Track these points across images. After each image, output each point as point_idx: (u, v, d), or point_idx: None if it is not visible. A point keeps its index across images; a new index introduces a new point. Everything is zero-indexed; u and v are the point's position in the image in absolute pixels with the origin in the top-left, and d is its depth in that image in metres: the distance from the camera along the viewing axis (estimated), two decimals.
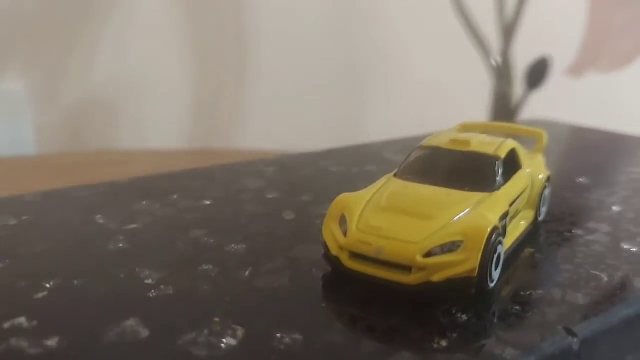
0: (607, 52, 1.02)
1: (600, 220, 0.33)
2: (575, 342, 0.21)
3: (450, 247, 0.23)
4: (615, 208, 0.34)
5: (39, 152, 0.80)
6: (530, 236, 0.29)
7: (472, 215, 0.24)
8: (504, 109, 0.80)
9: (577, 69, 1.01)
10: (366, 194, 0.26)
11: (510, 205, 0.26)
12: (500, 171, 0.27)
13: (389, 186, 0.27)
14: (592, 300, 0.23)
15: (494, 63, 0.78)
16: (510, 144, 0.29)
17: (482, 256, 0.22)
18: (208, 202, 0.34)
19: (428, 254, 0.22)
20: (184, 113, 0.88)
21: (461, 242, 0.23)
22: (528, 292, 0.24)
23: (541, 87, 0.83)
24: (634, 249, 0.28)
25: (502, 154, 0.28)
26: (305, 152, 0.45)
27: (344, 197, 0.26)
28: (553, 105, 0.82)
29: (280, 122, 0.88)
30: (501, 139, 0.29)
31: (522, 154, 0.30)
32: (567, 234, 0.30)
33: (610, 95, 0.95)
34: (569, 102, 0.88)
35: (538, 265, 0.27)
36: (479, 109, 0.80)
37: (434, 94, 0.89)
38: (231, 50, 0.87)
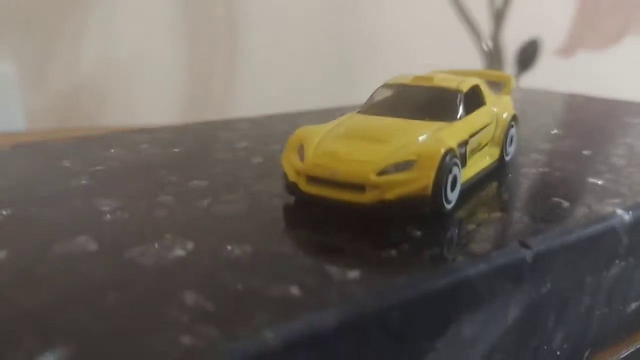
0: (596, 31, 1.02)
1: (570, 161, 0.32)
2: (529, 254, 0.21)
3: (404, 166, 0.22)
4: (585, 152, 0.34)
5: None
6: (496, 173, 0.29)
7: (428, 139, 0.24)
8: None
9: (567, 50, 1.01)
10: (326, 126, 0.26)
11: (471, 136, 0.26)
12: (462, 104, 0.27)
13: (351, 119, 0.27)
14: (550, 220, 0.23)
15: (485, 47, 0.78)
16: (474, 80, 0.29)
17: (436, 175, 0.22)
18: (177, 150, 0.34)
19: (382, 172, 0.22)
20: (175, 95, 0.87)
21: (415, 161, 0.22)
22: (486, 215, 0.24)
23: (532, 68, 0.83)
24: (600, 182, 0.28)
25: (464, 89, 0.28)
26: (282, 112, 0.45)
27: (304, 128, 0.26)
28: (545, 85, 0.82)
29: (271, 106, 0.88)
30: (465, 77, 0.29)
31: (487, 92, 0.30)
32: (534, 171, 0.30)
33: (600, 75, 0.95)
34: (560, 83, 0.88)
35: (501, 194, 0.27)
36: None
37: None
38: (221, 34, 0.87)
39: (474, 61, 0.80)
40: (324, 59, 0.89)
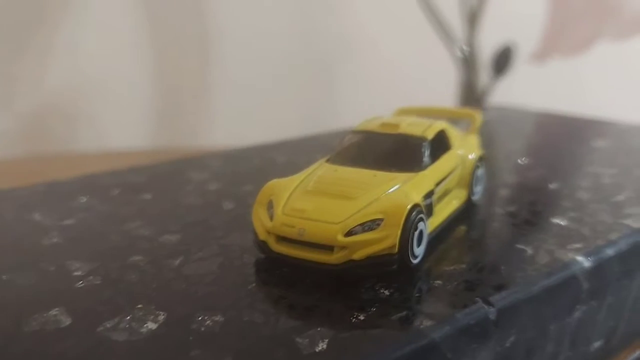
0: (568, 37, 1.03)
1: (536, 197, 0.33)
2: (491, 312, 0.21)
3: (371, 226, 0.23)
4: (552, 185, 0.35)
5: None
6: (464, 215, 0.30)
7: (393, 194, 0.24)
8: (470, 96, 0.81)
9: (540, 55, 1.02)
10: (295, 179, 0.27)
11: (437, 184, 0.27)
12: (427, 152, 0.27)
13: (319, 170, 0.27)
14: (513, 272, 0.24)
15: (459, 52, 0.79)
16: (440, 125, 0.30)
17: (402, 233, 0.23)
18: (148, 196, 0.34)
19: (349, 233, 0.23)
20: (145, 114, 0.87)
21: (381, 220, 0.23)
22: (452, 267, 0.24)
23: (506, 73, 0.84)
24: (563, 223, 0.29)
25: (430, 135, 0.28)
26: (255, 144, 0.45)
27: (273, 183, 0.26)
28: (520, 91, 0.83)
29: (245, 118, 0.88)
30: (432, 121, 0.30)
31: (454, 135, 0.31)
32: (500, 211, 0.31)
33: (574, 79, 0.97)
34: (535, 88, 0.89)
35: (467, 241, 0.28)
36: (446, 98, 0.81)
37: (401, 84, 0.90)
38: (193, 48, 0.87)
39: (449, 68, 0.80)
40: (297, 72, 0.89)
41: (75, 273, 0.24)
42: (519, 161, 0.40)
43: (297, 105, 0.90)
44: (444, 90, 0.84)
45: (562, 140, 0.49)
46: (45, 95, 0.82)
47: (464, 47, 0.80)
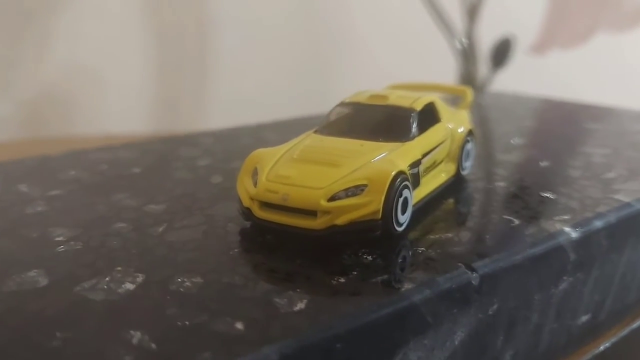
0: (567, 29, 1.03)
1: (526, 174, 0.33)
2: (474, 278, 0.21)
3: (354, 191, 0.23)
4: (543, 163, 0.35)
5: None
6: (452, 188, 0.30)
7: (379, 162, 0.24)
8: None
9: (539, 47, 1.02)
10: (282, 148, 0.26)
11: (424, 155, 0.27)
12: (415, 123, 0.27)
13: (306, 140, 0.27)
14: (497, 241, 0.24)
15: (458, 44, 0.79)
16: (429, 98, 0.29)
17: (386, 199, 0.23)
18: (137, 170, 0.34)
19: (332, 198, 0.23)
20: (144, 101, 0.87)
21: (365, 186, 0.23)
22: (437, 236, 0.24)
23: (505, 66, 0.84)
24: (553, 197, 0.29)
25: (418, 107, 0.28)
26: (246, 124, 0.45)
27: (258, 151, 0.26)
28: (519, 82, 0.82)
29: (243, 104, 0.88)
30: (421, 94, 0.30)
31: (443, 108, 0.30)
32: (489, 186, 0.31)
33: (573, 71, 0.96)
34: (534, 79, 0.88)
35: (454, 213, 0.27)
36: None
37: (400, 75, 0.89)
38: (191, 34, 0.86)
39: (448, 59, 0.80)
40: (295, 59, 0.89)
41: (57, 239, 0.24)
42: (511, 141, 0.40)
43: (296, 93, 0.89)
44: (443, 82, 0.84)
45: (555, 123, 0.48)
46: (44, 81, 0.82)
47: (464, 39, 0.80)
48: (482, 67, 0.82)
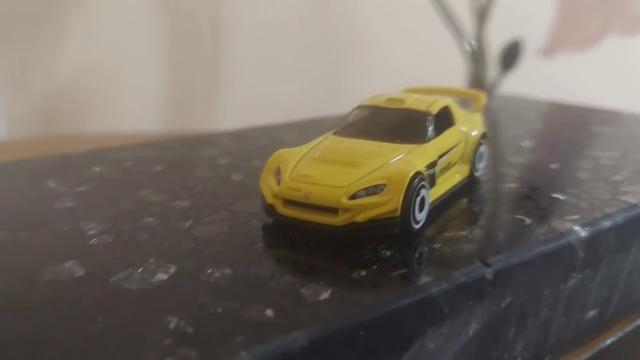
0: (576, 32, 1.04)
1: (537, 175, 0.34)
2: (488, 272, 0.22)
3: (374, 190, 0.24)
4: (553, 165, 0.36)
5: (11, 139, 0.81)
6: (466, 189, 0.31)
7: (397, 162, 0.25)
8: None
9: (548, 50, 1.03)
10: (303, 149, 0.28)
11: (440, 156, 0.28)
12: (431, 126, 0.28)
13: (326, 141, 0.28)
14: (510, 239, 0.25)
15: (468, 47, 0.80)
16: (444, 101, 0.30)
17: (404, 198, 0.24)
18: (160, 168, 0.35)
19: (353, 197, 0.24)
20: (158, 100, 0.88)
21: (384, 185, 0.24)
22: (452, 233, 0.25)
23: (514, 69, 0.85)
24: (563, 197, 0.30)
25: (434, 111, 0.29)
26: (262, 125, 0.46)
27: (281, 152, 0.27)
28: (527, 85, 0.83)
29: (256, 104, 0.89)
30: (436, 98, 0.31)
31: (458, 112, 0.31)
32: (501, 187, 0.32)
33: (582, 74, 0.97)
34: (543, 82, 0.89)
35: (468, 212, 0.28)
36: None
37: (410, 77, 0.90)
38: (206, 37, 0.88)
39: (457, 61, 0.81)
40: (307, 60, 0.90)
41: (89, 232, 0.25)
42: (522, 144, 0.41)
43: (309, 93, 0.90)
44: (452, 84, 0.85)
45: (564, 126, 0.49)
46: (59, 80, 0.84)
47: (473, 42, 0.81)
48: (491, 69, 0.83)
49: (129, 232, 0.25)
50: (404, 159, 0.26)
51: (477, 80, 0.83)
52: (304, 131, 0.45)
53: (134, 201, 0.29)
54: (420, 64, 0.91)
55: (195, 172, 0.34)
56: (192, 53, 0.88)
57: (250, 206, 0.28)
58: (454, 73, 0.84)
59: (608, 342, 0.29)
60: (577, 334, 0.28)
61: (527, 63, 0.86)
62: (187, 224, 0.26)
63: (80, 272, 0.22)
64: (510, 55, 0.85)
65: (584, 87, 0.93)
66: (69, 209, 0.28)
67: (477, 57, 0.82)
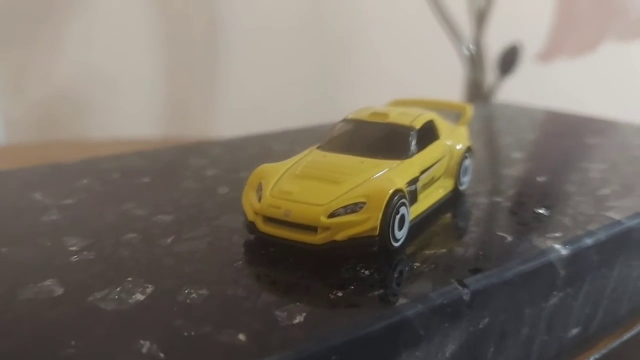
0: (575, 37, 1.03)
1: (523, 189, 0.34)
2: (465, 293, 0.22)
3: (353, 208, 0.24)
4: (540, 179, 0.36)
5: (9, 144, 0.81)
6: (450, 204, 0.31)
7: (377, 179, 0.25)
8: (476, 95, 0.82)
9: (546, 55, 1.03)
10: (286, 164, 0.28)
11: (422, 172, 0.28)
12: (414, 141, 0.28)
13: (309, 156, 0.28)
14: (489, 257, 0.25)
15: (466, 51, 0.80)
16: (428, 115, 0.30)
17: (383, 216, 0.24)
18: (147, 179, 0.35)
19: (332, 215, 0.24)
20: (154, 104, 0.88)
21: (364, 203, 0.24)
22: (432, 251, 0.25)
23: (512, 73, 0.85)
24: (546, 213, 0.30)
25: (418, 125, 0.29)
26: (254, 133, 0.46)
27: (263, 167, 0.27)
28: (525, 90, 0.83)
29: (252, 110, 0.89)
30: (421, 111, 0.31)
31: (442, 125, 0.31)
32: (486, 201, 0.32)
33: (580, 79, 0.97)
34: (541, 87, 0.89)
35: (450, 228, 0.28)
36: (453, 96, 0.82)
37: (408, 82, 0.90)
38: (201, 40, 0.88)
39: (455, 66, 0.81)
40: (305, 66, 0.90)
41: (71, 248, 0.25)
42: (511, 155, 0.41)
43: (304, 100, 0.90)
44: (450, 89, 0.85)
45: (556, 135, 0.49)
46: (56, 84, 0.84)
47: (471, 46, 0.81)
48: (490, 74, 0.82)
49: (110, 248, 0.25)
50: (384, 176, 0.26)
51: (475, 85, 0.83)
52: (295, 140, 0.45)
53: (117, 215, 0.29)
54: (418, 68, 0.91)
55: (181, 184, 0.34)
56: (189, 58, 0.88)
57: (234, 221, 0.28)
58: (452, 78, 0.84)
59: (592, 359, 0.29)
60: (560, 352, 0.28)
61: (525, 68, 0.86)
62: (169, 240, 0.26)
63: (59, 291, 0.22)
64: (509, 60, 0.85)
65: (582, 92, 0.93)
66: (53, 222, 0.28)
67: (475, 61, 0.82)
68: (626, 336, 0.31)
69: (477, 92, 0.83)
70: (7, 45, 0.81)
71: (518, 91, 0.82)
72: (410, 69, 0.91)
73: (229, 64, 0.88)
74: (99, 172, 0.36)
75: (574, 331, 0.28)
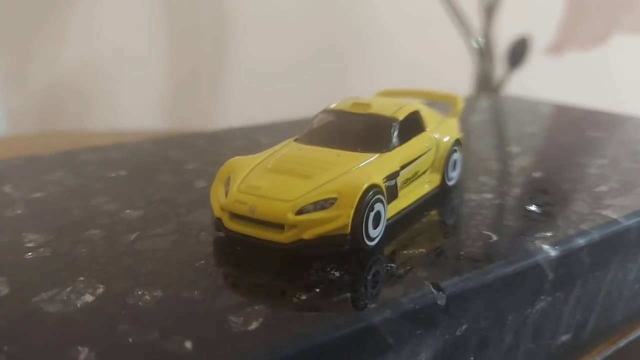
0: (584, 30, 1.01)
1: (516, 185, 0.32)
2: (441, 297, 0.21)
3: (323, 205, 0.22)
4: (535, 174, 0.34)
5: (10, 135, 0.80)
6: (437, 200, 0.29)
7: (352, 174, 0.24)
8: (486, 87, 0.80)
9: (556, 48, 1.00)
10: (258, 157, 0.26)
11: (404, 166, 0.26)
12: (396, 132, 0.27)
13: (284, 149, 0.27)
14: (471, 259, 0.23)
15: (475, 44, 0.78)
16: (414, 106, 0.29)
17: (355, 213, 0.22)
18: (123, 173, 0.34)
19: (300, 212, 0.22)
20: (159, 95, 0.87)
21: (335, 199, 0.22)
22: (411, 251, 0.24)
23: (522, 65, 0.83)
24: (538, 211, 0.28)
25: (401, 116, 0.27)
26: (240, 125, 0.45)
27: (234, 160, 0.26)
28: (535, 83, 0.81)
29: (258, 100, 0.87)
30: (406, 102, 0.29)
31: (430, 116, 0.30)
32: (475, 198, 0.30)
33: (589, 72, 0.95)
34: (551, 80, 0.87)
35: (433, 227, 0.27)
36: (462, 88, 0.80)
37: (417, 74, 0.89)
38: (207, 30, 0.86)
39: (464, 58, 0.79)
40: (311, 55, 0.89)
41: (28, 244, 0.24)
42: (507, 149, 0.39)
43: (313, 91, 0.89)
44: (459, 81, 0.83)
45: (558, 129, 0.47)
46: (59, 74, 0.83)
47: (480, 39, 0.79)
48: (499, 67, 0.81)
49: (69, 246, 0.24)
50: (360, 170, 0.24)
51: (485, 78, 0.81)
52: (284, 132, 0.43)
53: (85, 210, 0.28)
54: (427, 60, 0.89)
55: (158, 178, 0.33)
56: (193, 48, 0.87)
57: (204, 217, 0.27)
58: (461, 70, 0.83)
59: None
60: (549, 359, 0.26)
61: (535, 60, 0.84)
62: (132, 236, 0.25)
63: (4, 290, 0.20)
64: (518, 53, 0.83)
65: (591, 85, 0.91)
66: (17, 217, 0.27)
67: (484, 54, 0.80)
68: (622, 343, 0.29)
69: (486, 84, 0.81)
70: (9, 35, 0.80)
71: (527, 84, 0.80)
72: (419, 62, 0.89)
73: (236, 54, 0.86)
74: (75, 165, 0.35)
75: (564, 338, 0.27)
